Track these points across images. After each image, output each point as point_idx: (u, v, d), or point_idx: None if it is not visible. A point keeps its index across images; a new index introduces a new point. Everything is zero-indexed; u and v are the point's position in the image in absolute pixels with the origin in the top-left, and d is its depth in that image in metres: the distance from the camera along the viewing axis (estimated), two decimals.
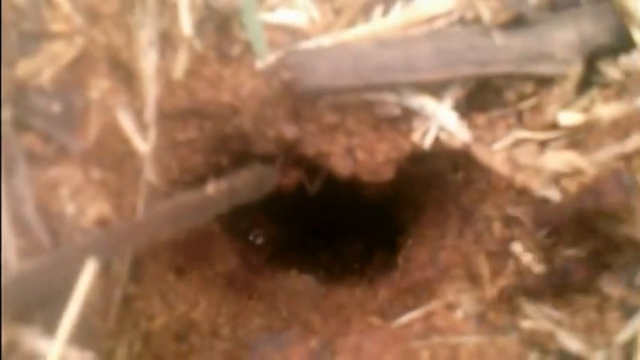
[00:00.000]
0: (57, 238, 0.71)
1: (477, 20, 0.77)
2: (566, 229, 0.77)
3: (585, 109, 0.76)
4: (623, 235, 0.73)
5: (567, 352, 0.76)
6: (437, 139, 0.79)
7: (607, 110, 0.75)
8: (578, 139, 0.77)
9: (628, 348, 0.73)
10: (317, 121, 0.80)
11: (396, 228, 1.11)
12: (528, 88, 0.78)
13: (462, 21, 0.78)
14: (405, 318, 0.85)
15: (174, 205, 0.76)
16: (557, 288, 0.76)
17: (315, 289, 1.00)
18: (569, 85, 0.76)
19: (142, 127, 0.80)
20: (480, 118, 0.79)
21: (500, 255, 0.81)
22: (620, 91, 0.75)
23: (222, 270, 0.95)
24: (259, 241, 1.19)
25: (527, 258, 0.79)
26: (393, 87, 0.77)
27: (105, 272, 0.73)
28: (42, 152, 0.73)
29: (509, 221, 0.81)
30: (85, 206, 0.73)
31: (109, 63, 0.78)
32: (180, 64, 0.79)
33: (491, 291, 0.80)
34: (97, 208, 0.74)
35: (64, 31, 0.75)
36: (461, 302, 0.82)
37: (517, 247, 0.80)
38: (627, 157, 0.73)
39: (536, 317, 0.78)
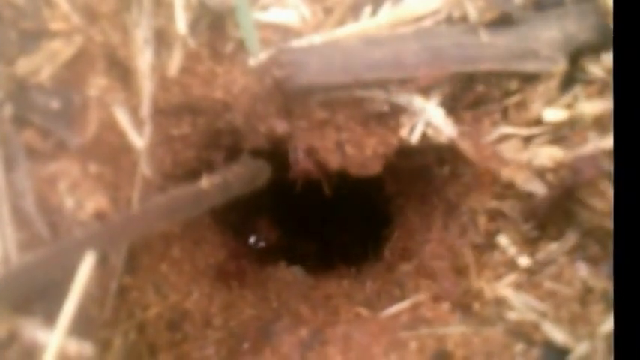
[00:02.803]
0: (56, 231, 0.73)
1: (464, 19, 0.78)
2: (550, 221, 0.79)
3: (569, 106, 0.77)
4: (606, 228, 0.75)
5: (552, 343, 0.77)
6: (424, 135, 0.80)
7: (590, 107, 0.76)
8: (561, 134, 0.78)
9: (611, 339, 0.74)
10: (307, 117, 0.80)
11: (383, 220, 1.12)
12: (513, 85, 0.79)
13: (449, 20, 0.79)
14: (393, 309, 0.86)
15: (169, 199, 0.77)
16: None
17: (304, 280, 1.01)
18: (554, 83, 0.77)
19: (138, 123, 0.81)
20: (466, 115, 0.80)
21: (486, 247, 0.83)
22: (603, 88, 0.76)
23: (214, 261, 0.96)
24: (251, 239, 1.20)
25: (513, 250, 0.81)
26: (382, 84, 0.78)
27: (102, 264, 0.74)
28: (41, 148, 0.75)
29: (495, 214, 0.82)
30: (83, 200, 0.74)
31: (106, 61, 0.79)
32: (174, 62, 0.80)
33: (477, 283, 0.81)
34: (94, 202, 0.75)
35: (62, 30, 0.76)
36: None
37: (502, 240, 0.82)
38: (610, 153, 0.74)
39: (522, 308, 0.79)
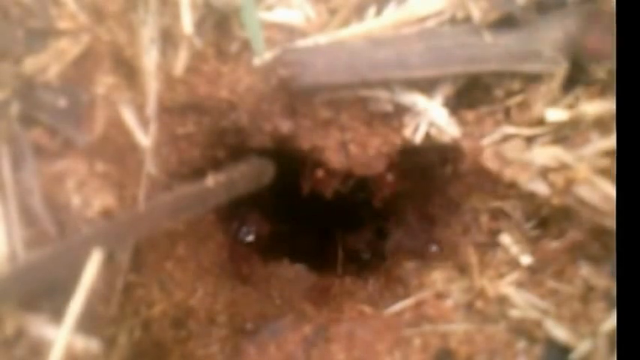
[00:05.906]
0: (63, 229, 0.73)
1: (467, 20, 0.79)
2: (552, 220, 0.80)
3: (571, 106, 0.78)
4: (607, 227, 0.75)
5: (554, 341, 0.78)
6: (427, 135, 0.81)
7: (592, 107, 0.76)
8: (563, 134, 0.78)
9: (613, 337, 0.75)
10: (312, 116, 0.81)
11: (386, 219, 1.12)
12: (516, 85, 0.79)
13: (452, 20, 0.79)
14: (397, 306, 0.87)
15: (175, 197, 0.77)
16: None
17: (307, 278, 1.02)
18: (556, 83, 0.78)
19: (144, 122, 0.81)
20: (469, 115, 0.81)
21: (488, 246, 0.83)
22: (604, 89, 0.77)
23: (218, 259, 0.97)
24: (250, 237, 1.20)
25: (515, 249, 0.81)
26: (386, 84, 0.79)
27: (108, 261, 0.74)
28: (49, 146, 0.75)
29: (497, 214, 0.83)
30: (89, 198, 0.74)
31: (112, 60, 0.79)
32: (180, 61, 0.81)
33: (479, 281, 0.82)
34: (101, 200, 0.75)
35: (69, 29, 0.76)
36: (450, 292, 0.84)
37: (505, 239, 0.82)
38: (610, 153, 0.75)
39: (524, 307, 0.80)
